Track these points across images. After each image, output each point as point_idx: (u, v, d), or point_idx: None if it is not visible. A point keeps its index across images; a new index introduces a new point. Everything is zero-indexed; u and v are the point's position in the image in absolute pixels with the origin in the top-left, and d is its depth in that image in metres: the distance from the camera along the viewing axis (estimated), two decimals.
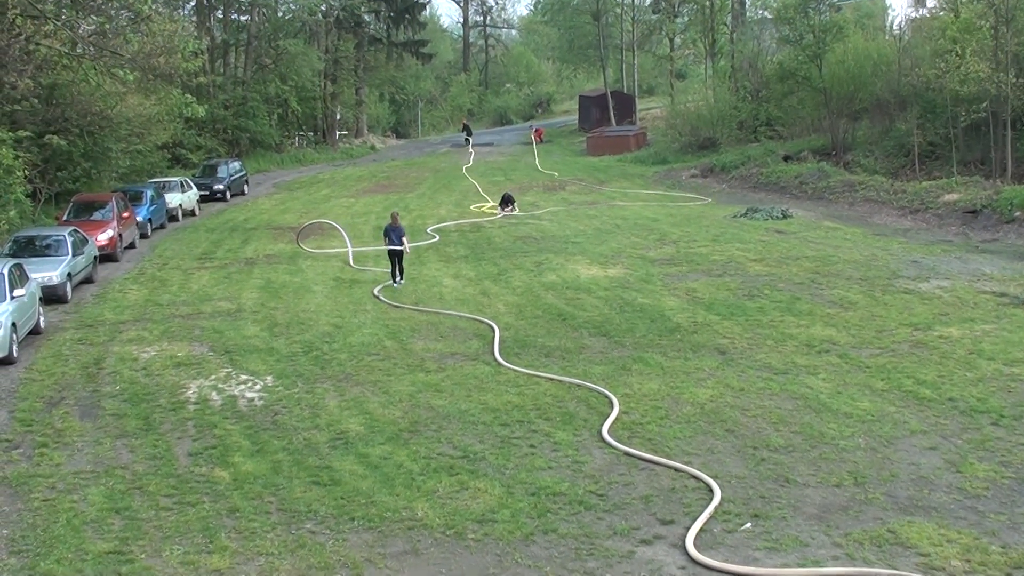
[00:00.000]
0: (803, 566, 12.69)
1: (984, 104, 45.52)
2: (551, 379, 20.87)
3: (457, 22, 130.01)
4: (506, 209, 47.41)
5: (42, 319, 26.34)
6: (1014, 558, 12.70)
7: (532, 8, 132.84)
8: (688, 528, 13.69)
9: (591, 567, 12.84)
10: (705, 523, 13.86)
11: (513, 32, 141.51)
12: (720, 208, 47.17)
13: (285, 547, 13.55)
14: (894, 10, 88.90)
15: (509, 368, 21.72)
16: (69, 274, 30.19)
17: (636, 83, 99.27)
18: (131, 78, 40.84)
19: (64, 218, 38.02)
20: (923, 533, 13.43)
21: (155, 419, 19.00)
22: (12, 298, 23.78)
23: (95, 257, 33.54)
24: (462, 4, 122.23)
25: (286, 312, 27.72)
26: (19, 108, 41.25)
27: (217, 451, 17.19)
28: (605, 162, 71.94)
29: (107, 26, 38.99)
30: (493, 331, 24.68)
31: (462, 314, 26.98)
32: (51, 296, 28.81)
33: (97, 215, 37.82)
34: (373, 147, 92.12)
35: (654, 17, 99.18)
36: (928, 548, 13.03)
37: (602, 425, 17.77)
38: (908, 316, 25.17)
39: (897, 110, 54.72)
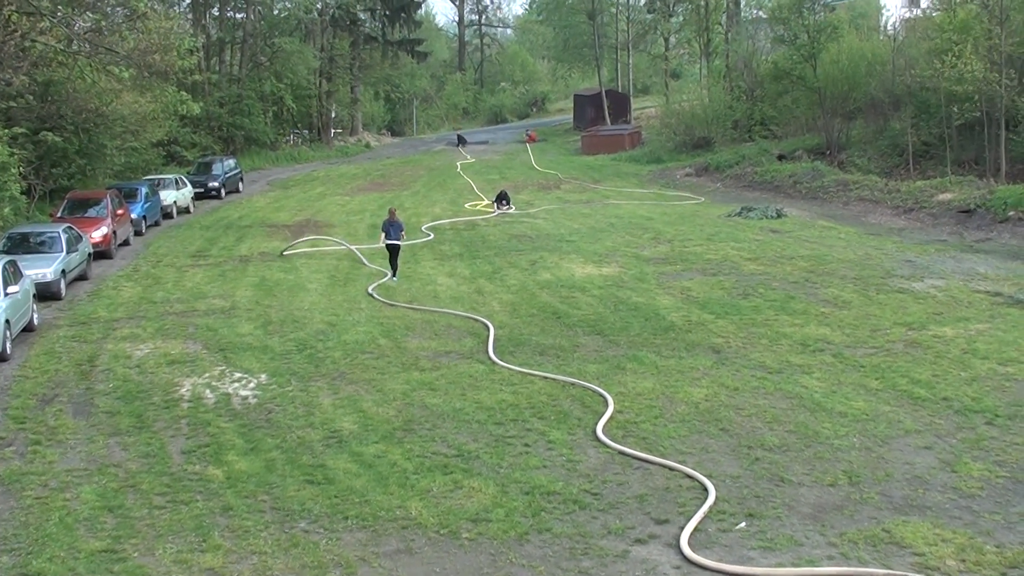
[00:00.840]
0: (798, 566, 12.68)
1: (977, 101, 45.58)
2: (546, 378, 20.86)
3: (452, 21, 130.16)
4: (502, 207, 47.43)
5: (36, 316, 26.30)
6: (1009, 557, 12.70)
7: (527, 7, 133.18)
8: (683, 527, 13.68)
9: (585, 566, 12.82)
10: (700, 522, 13.85)
11: (508, 31, 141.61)
12: (714, 207, 47.18)
13: (279, 546, 13.52)
14: (888, 10, 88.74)
15: (503, 367, 21.70)
16: (63, 271, 30.14)
17: (631, 82, 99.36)
18: (126, 75, 40.82)
19: (59, 215, 37.98)
20: (918, 532, 13.42)
21: (148, 417, 18.96)
22: (6, 295, 23.75)
23: (89, 254, 33.48)
24: (457, 3, 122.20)
25: (280, 310, 27.68)
26: (14, 105, 41.20)
27: (211, 449, 17.16)
28: (600, 161, 72.00)
29: (103, 23, 38.97)
30: (488, 330, 24.66)
31: (457, 312, 26.96)
32: (45, 293, 28.75)
33: (92, 212, 37.80)
34: (368, 145, 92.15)
35: (649, 16, 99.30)
36: (923, 548, 13.02)
37: (596, 424, 17.75)
38: (902, 315, 25.19)
39: (891, 109, 54.76)
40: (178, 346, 24.05)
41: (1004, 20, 45.49)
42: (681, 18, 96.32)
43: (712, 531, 13.69)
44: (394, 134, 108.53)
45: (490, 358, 22.39)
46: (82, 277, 32.44)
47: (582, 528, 13.86)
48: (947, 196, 42.35)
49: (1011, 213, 38.14)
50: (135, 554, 13.37)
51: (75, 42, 40.96)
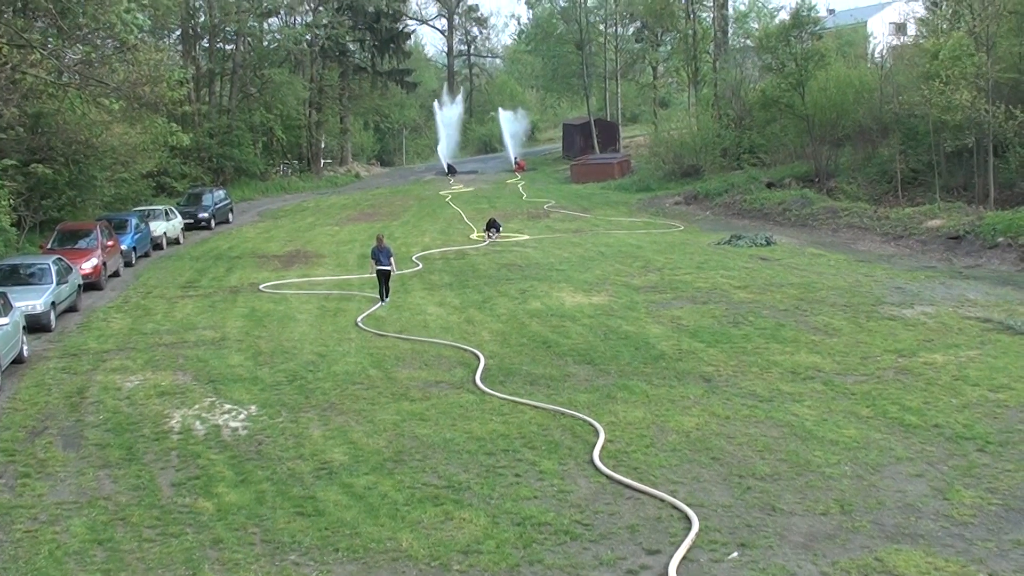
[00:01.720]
0: None
1: (966, 129, 45.78)
2: (536, 407, 20.82)
3: (442, 51, 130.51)
4: (491, 235, 47.49)
5: (25, 348, 26.22)
6: None
7: (516, 37, 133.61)
8: (671, 557, 13.63)
9: None
10: (689, 552, 13.79)
11: (497, 61, 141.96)
12: (704, 235, 47.26)
13: None
14: (875, 37, 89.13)
15: (493, 395, 21.66)
16: (53, 303, 30.08)
17: (620, 111, 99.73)
18: (116, 107, 40.87)
19: (48, 246, 37.92)
20: (910, 561, 13.39)
21: (138, 449, 18.89)
22: None
23: (79, 286, 33.43)
24: (446, 33, 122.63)
25: (270, 341, 27.64)
26: (4, 137, 41.21)
27: (200, 481, 17.09)
28: (589, 189, 72.18)
29: (93, 55, 39.00)
30: (478, 360, 24.62)
31: (447, 342, 26.93)
32: (35, 325, 28.68)
33: (82, 243, 37.76)
34: (358, 175, 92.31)
35: (637, 46, 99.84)
36: None
37: (590, 453, 17.71)
38: (893, 342, 25.21)
39: (879, 137, 55.03)
40: (168, 377, 23.99)
41: (991, 47, 45.76)
42: (669, 47, 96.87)
43: (704, 561, 13.64)
44: (383, 164, 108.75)
45: (478, 386, 22.35)
46: (72, 309, 32.38)
47: (573, 559, 13.80)
48: (936, 223, 42.48)
49: (1000, 239, 38.27)
50: None
51: (65, 74, 41.02)
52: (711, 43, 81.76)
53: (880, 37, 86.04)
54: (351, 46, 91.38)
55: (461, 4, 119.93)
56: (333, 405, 21.43)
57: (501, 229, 48.27)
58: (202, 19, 77.13)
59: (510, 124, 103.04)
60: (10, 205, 39.32)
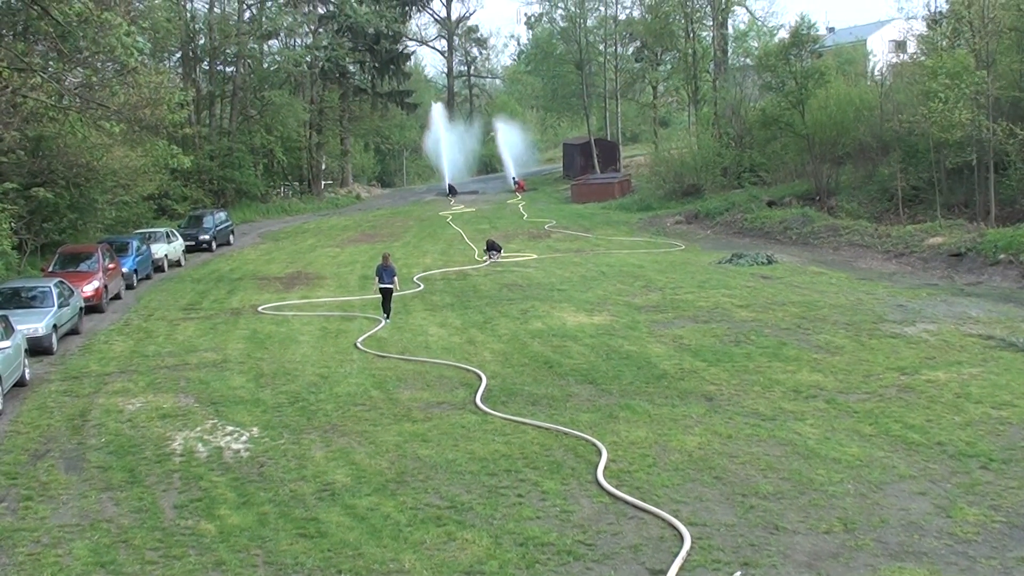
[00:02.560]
0: None
1: (967, 147, 45.83)
2: (538, 427, 20.80)
3: (442, 72, 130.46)
4: (491, 256, 47.50)
5: (27, 371, 26.21)
6: None
7: (516, 58, 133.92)
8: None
9: None
10: (692, 571, 13.76)
11: (497, 81, 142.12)
12: (705, 254, 47.28)
13: None
14: (875, 55, 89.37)
15: (495, 416, 21.64)
16: (55, 326, 30.08)
17: (620, 130, 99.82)
18: (117, 130, 40.89)
19: (50, 269, 37.94)
20: None
21: (140, 471, 18.87)
22: None
23: (81, 308, 33.43)
24: (446, 54, 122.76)
25: (272, 363, 27.63)
26: (5, 160, 41.29)
27: (203, 503, 17.06)
28: (590, 209, 72.22)
29: (93, 78, 39.03)
30: (480, 380, 24.60)
31: (448, 363, 26.92)
32: (36, 348, 28.67)
33: (83, 266, 37.76)
34: (358, 196, 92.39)
35: (637, 65, 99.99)
36: None
37: (593, 473, 17.70)
38: (895, 360, 25.20)
39: (880, 154, 55.10)
40: (170, 400, 23.97)
41: (991, 64, 45.85)
42: (669, 66, 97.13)
43: None
44: (384, 185, 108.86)
45: (478, 407, 22.33)
46: (74, 331, 32.38)
47: None
48: (937, 240, 42.50)
49: (1002, 256, 38.28)
50: None
51: (66, 97, 41.08)
52: (711, 62, 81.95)
53: (880, 55, 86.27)
54: (351, 67, 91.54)
55: (461, 25, 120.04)
56: (335, 426, 21.41)
57: (502, 251, 48.23)
58: (202, 41, 77.32)
59: (510, 141, 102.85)
60: (11, 228, 39.38)
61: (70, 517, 16.66)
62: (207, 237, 55.74)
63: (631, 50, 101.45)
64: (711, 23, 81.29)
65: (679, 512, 15.84)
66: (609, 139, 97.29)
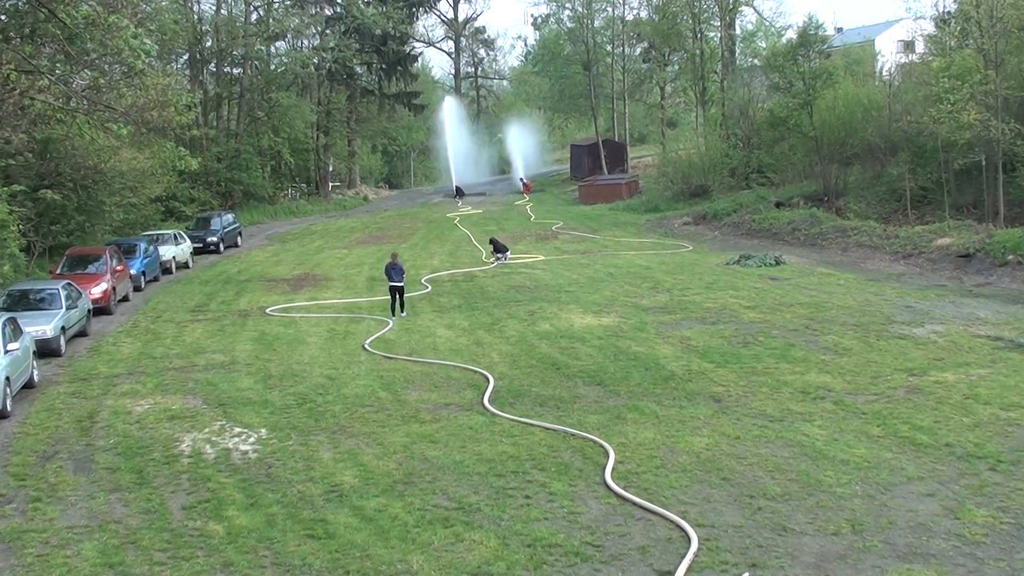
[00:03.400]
0: None
1: (976, 148, 45.76)
2: (546, 428, 20.79)
3: (449, 73, 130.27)
4: (499, 257, 47.49)
5: (36, 373, 26.25)
6: None
7: (523, 59, 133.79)
8: None
9: None
10: (700, 572, 13.75)
11: (504, 82, 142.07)
12: (713, 255, 47.25)
13: None
14: (883, 56, 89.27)
15: (503, 417, 21.63)
16: (63, 328, 30.14)
17: (627, 131, 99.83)
18: (124, 132, 40.94)
19: (58, 272, 38.01)
20: None
21: (149, 473, 18.89)
22: (6, 352, 23.76)
23: (89, 310, 33.49)
24: (453, 55, 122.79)
25: (280, 364, 27.65)
26: (13, 163, 41.36)
27: (211, 505, 17.08)
28: (597, 210, 72.22)
29: (101, 80, 39.06)
30: (488, 382, 24.60)
31: (456, 364, 26.93)
32: (45, 350, 28.73)
33: (91, 268, 37.86)
34: (366, 198, 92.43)
35: (644, 66, 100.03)
36: None
37: (601, 474, 17.69)
38: (903, 361, 25.16)
39: (888, 155, 55.03)
40: (178, 401, 24.00)
41: (1000, 64, 45.76)
42: (677, 67, 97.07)
43: None
44: (392, 186, 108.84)
45: (486, 408, 22.33)
46: (82, 333, 32.43)
47: None
48: (946, 241, 42.44)
49: (1010, 257, 38.21)
50: None
51: (73, 99, 41.12)
52: (718, 63, 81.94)
53: (888, 55, 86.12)
54: (358, 69, 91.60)
55: (468, 26, 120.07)
56: (343, 428, 21.42)
57: (509, 252, 48.20)
58: (209, 43, 77.35)
59: (520, 142, 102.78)
60: (19, 231, 39.43)
61: (79, 518, 16.68)
62: (215, 239, 55.78)
63: (639, 51, 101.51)
64: (719, 23, 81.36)
65: (687, 513, 15.83)
66: (616, 140, 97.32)
